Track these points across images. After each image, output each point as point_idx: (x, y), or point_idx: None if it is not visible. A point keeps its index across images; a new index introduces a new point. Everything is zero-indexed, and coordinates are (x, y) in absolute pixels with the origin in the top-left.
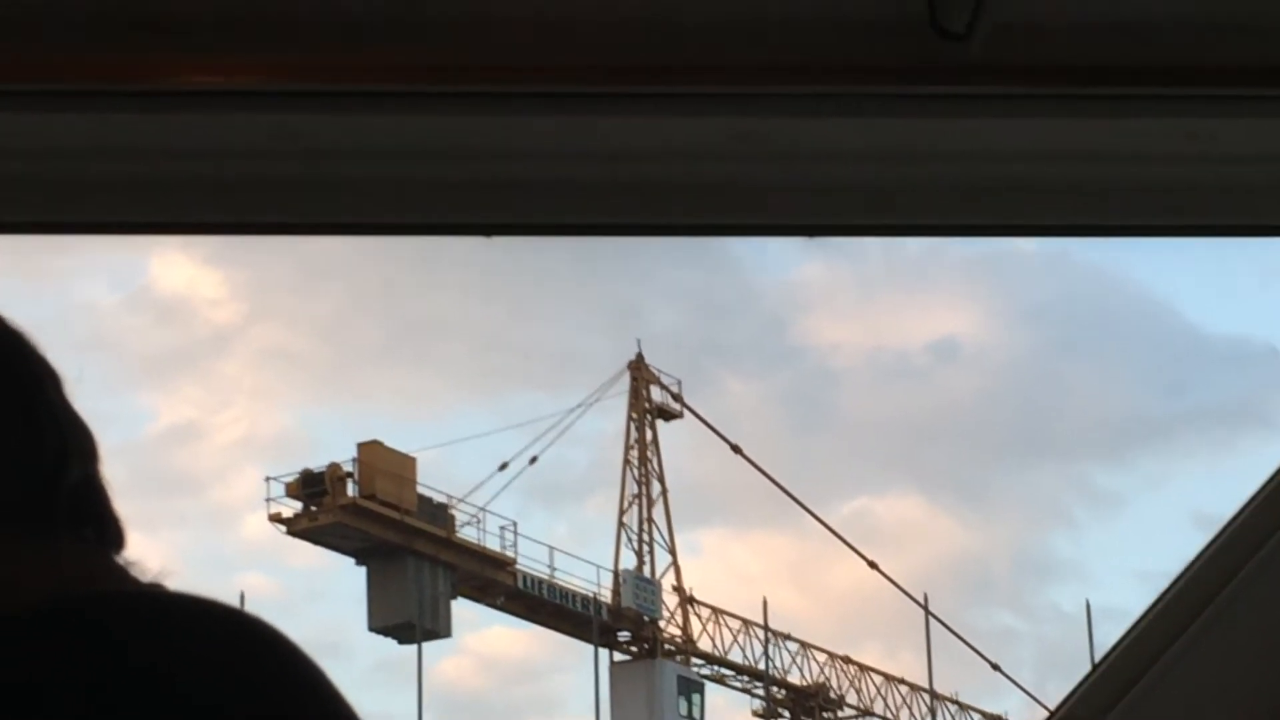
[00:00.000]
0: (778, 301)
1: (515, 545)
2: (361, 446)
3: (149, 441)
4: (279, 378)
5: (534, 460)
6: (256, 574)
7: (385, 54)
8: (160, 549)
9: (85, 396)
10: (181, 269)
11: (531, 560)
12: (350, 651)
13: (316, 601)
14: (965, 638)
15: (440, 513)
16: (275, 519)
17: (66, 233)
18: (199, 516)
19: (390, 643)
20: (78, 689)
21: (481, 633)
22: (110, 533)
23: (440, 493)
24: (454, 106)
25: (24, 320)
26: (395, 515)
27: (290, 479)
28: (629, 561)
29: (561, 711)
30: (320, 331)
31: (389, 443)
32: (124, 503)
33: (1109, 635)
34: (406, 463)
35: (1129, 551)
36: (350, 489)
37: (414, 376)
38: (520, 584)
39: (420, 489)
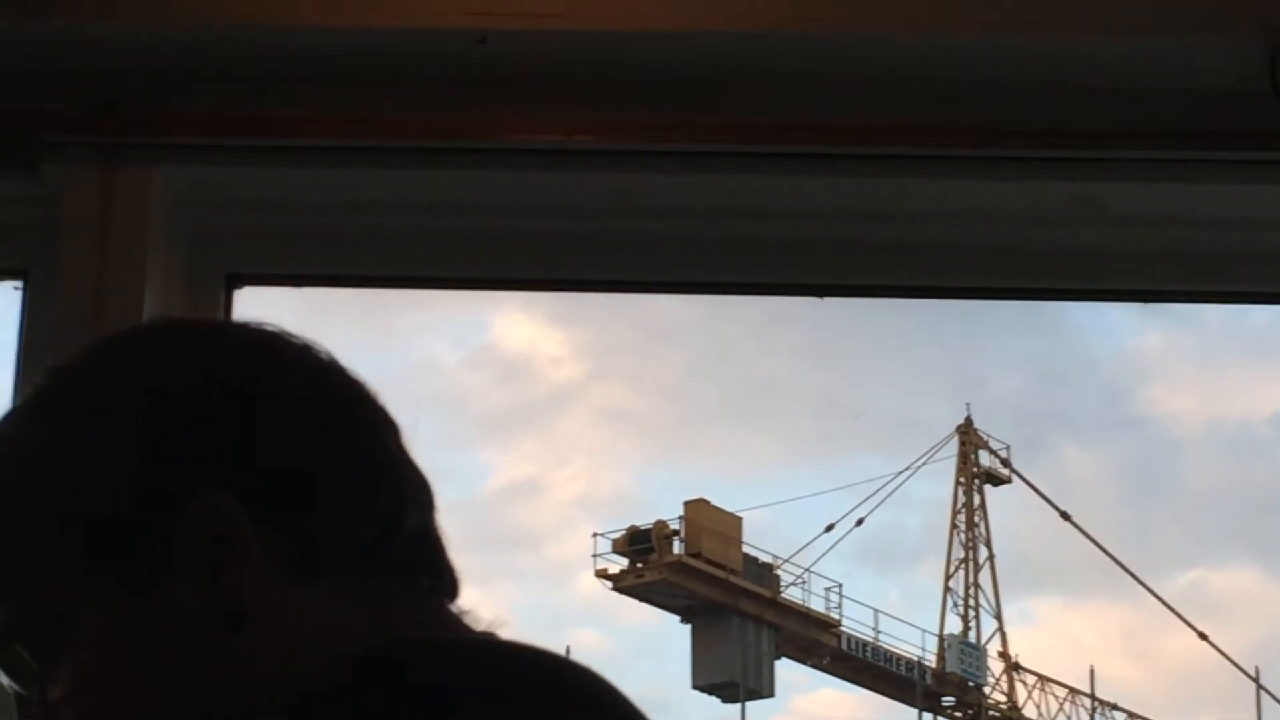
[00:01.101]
0: (1117, 369)
1: (840, 607)
2: (688, 505)
3: (487, 497)
4: (617, 437)
5: (860, 522)
6: (589, 630)
7: (722, 114)
8: (496, 604)
9: (427, 452)
10: (523, 328)
11: (855, 622)
12: (680, 710)
13: (646, 659)
14: None
15: (765, 573)
16: (601, 575)
17: (410, 287)
18: (534, 572)
19: (717, 702)
20: None
21: (809, 695)
22: (445, 582)
23: (765, 552)
24: (785, 166)
25: (371, 374)
26: (721, 574)
27: (617, 535)
28: (954, 626)
29: None
30: (660, 392)
31: (718, 502)
32: (461, 557)
33: None
34: (732, 521)
35: None
36: (676, 546)
37: (748, 437)
38: (844, 646)
39: (746, 548)
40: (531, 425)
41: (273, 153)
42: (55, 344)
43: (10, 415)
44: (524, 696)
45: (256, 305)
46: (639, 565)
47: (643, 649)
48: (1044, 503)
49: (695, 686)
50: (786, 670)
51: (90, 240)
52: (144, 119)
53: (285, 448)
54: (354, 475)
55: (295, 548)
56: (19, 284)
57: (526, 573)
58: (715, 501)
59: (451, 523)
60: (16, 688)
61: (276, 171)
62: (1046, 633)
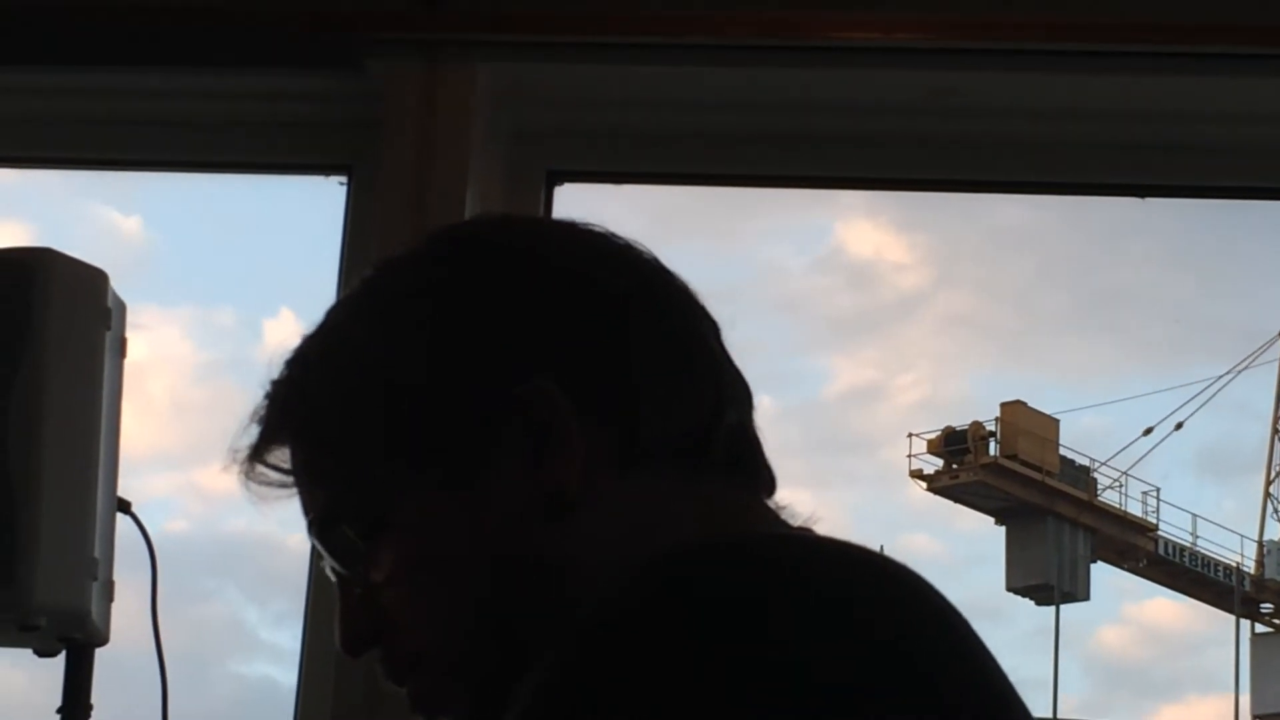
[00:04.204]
0: None
1: (1157, 511)
2: (1004, 406)
3: (827, 402)
4: (960, 343)
5: (1179, 426)
6: (922, 535)
7: (1037, 11)
8: (831, 507)
9: (770, 357)
10: (868, 234)
11: (1172, 527)
12: (1011, 616)
13: (979, 565)
14: None
15: (1082, 475)
16: (916, 475)
17: (727, 185)
18: (870, 477)
19: (1046, 608)
20: (719, 625)
21: (1141, 603)
22: (762, 477)
23: (1083, 455)
24: (1106, 65)
25: (717, 278)
26: (1037, 476)
27: (932, 436)
28: (1275, 532)
29: (1203, 681)
30: (1005, 299)
31: (1038, 405)
32: (798, 461)
33: None
34: (1049, 424)
35: None
36: (992, 448)
37: (1084, 344)
38: (1160, 550)
39: (1062, 450)
40: (875, 331)
41: (593, 50)
42: (378, 238)
43: (340, 306)
44: (839, 590)
45: (597, 207)
46: (954, 466)
47: (976, 554)
48: None
49: (1009, 588)
50: (1119, 578)
51: (413, 136)
52: (466, 15)
53: (608, 340)
54: (675, 370)
55: (617, 439)
56: (343, 180)
57: (862, 477)
58: (1037, 404)
59: (791, 426)
60: (339, 569)
61: (596, 69)
62: None
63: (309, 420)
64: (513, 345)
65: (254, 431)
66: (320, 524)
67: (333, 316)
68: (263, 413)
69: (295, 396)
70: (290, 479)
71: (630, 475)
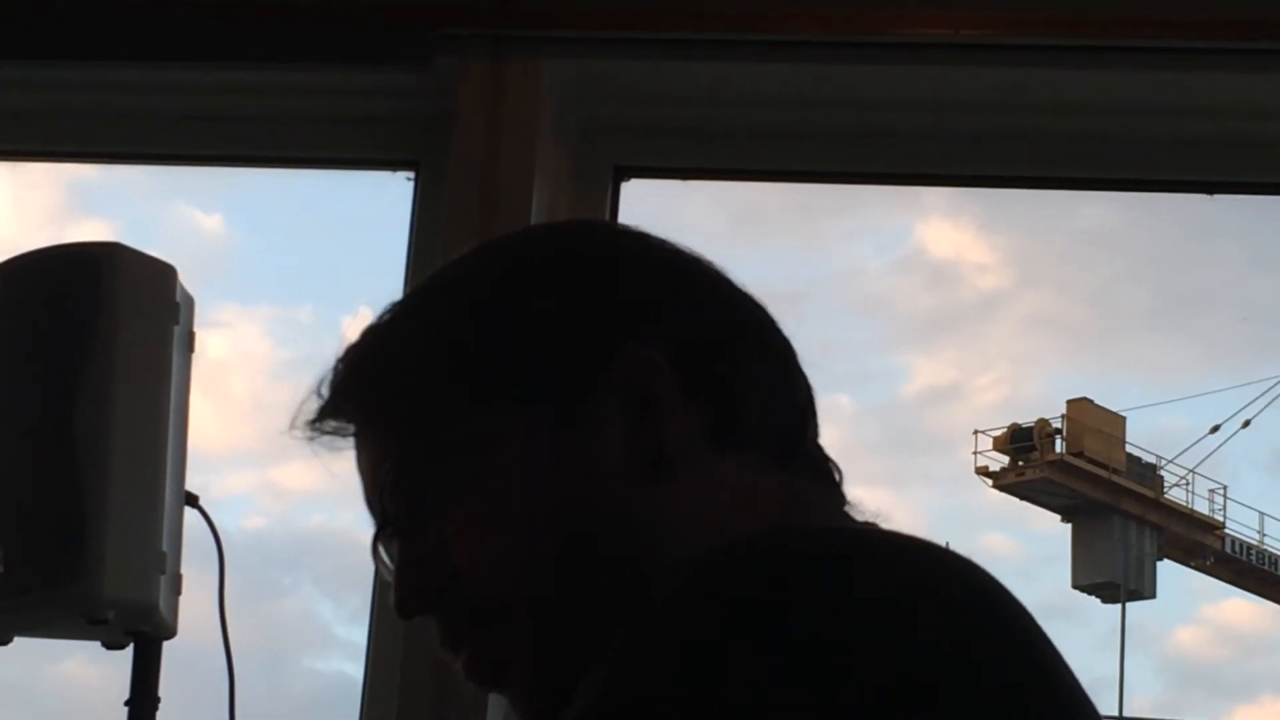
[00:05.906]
0: None
1: (1224, 509)
2: (1070, 404)
3: (905, 401)
4: (1040, 343)
5: (1247, 424)
6: (998, 535)
7: (1106, 7)
8: (908, 506)
9: (849, 356)
10: (948, 235)
11: (1240, 525)
12: (1086, 615)
13: (1056, 564)
14: None
15: (1149, 473)
16: (981, 472)
17: (797, 181)
18: (948, 476)
19: (1114, 606)
20: (774, 628)
21: (1219, 604)
22: (840, 487)
23: (1149, 453)
24: (1172, 61)
25: (799, 276)
26: (1103, 474)
27: (997, 433)
28: None
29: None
30: (1087, 299)
31: (1116, 404)
32: (876, 460)
33: None
34: (1115, 421)
35: None
36: (1058, 445)
37: (1161, 342)
38: (1227, 548)
39: (1129, 448)
40: (956, 331)
41: (660, 45)
42: (445, 234)
43: (459, 262)
44: (905, 587)
45: (672, 203)
46: (1020, 464)
47: (1052, 553)
48: None
49: (1075, 586)
50: (1188, 577)
51: (481, 132)
52: (535, 12)
53: (712, 328)
54: (773, 366)
55: (716, 418)
56: (411, 175)
57: (940, 476)
58: (1126, 406)
59: (869, 425)
60: (410, 519)
61: (664, 64)
62: None
63: (403, 359)
64: (627, 311)
65: (331, 379)
66: (399, 468)
67: (436, 276)
68: (343, 361)
69: (387, 338)
70: (354, 429)
71: (725, 456)
